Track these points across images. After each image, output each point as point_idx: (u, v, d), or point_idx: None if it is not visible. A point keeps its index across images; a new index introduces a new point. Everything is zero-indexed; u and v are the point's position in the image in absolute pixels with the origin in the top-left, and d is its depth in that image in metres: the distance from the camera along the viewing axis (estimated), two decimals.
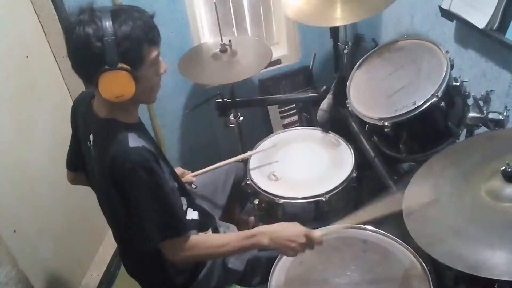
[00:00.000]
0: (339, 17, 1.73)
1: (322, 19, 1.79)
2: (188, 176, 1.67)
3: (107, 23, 1.05)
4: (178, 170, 1.66)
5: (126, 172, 1.12)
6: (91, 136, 1.23)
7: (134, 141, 1.15)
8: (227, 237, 1.33)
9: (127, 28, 1.07)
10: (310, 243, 1.22)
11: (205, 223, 1.45)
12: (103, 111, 1.20)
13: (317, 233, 1.24)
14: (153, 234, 1.17)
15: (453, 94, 1.51)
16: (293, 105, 2.47)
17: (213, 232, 1.49)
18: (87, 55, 1.07)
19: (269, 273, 1.30)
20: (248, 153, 1.81)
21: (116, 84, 1.10)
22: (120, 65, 1.08)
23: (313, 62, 2.15)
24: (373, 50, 1.77)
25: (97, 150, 1.21)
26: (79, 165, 1.39)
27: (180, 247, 1.22)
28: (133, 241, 1.23)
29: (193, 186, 1.67)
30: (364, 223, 1.37)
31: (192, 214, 1.40)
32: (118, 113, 1.20)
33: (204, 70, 1.96)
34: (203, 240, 1.29)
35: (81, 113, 1.31)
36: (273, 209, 1.63)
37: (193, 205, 1.42)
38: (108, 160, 1.13)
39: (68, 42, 1.10)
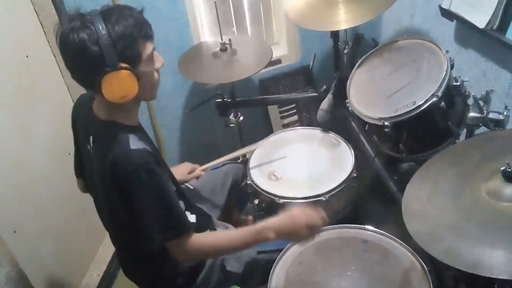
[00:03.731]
0: (342, 20, 1.72)
1: (325, 23, 1.78)
2: (197, 170, 1.67)
3: (100, 26, 1.05)
4: (187, 166, 1.66)
5: (128, 174, 1.11)
6: (90, 138, 1.23)
7: (135, 143, 1.15)
8: (232, 234, 1.33)
9: (120, 27, 1.07)
10: (314, 231, 1.25)
11: (203, 225, 1.45)
12: (104, 113, 1.20)
13: (319, 218, 1.24)
14: (155, 235, 1.17)
15: (453, 94, 1.51)
16: (293, 105, 2.47)
17: None
18: (86, 61, 1.07)
19: (268, 275, 1.30)
20: (255, 145, 1.80)
21: (120, 84, 1.10)
22: (120, 64, 1.08)
23: (313, 62, 2.15)
24: (373, 50, 1.77)
25: (97, 152, 1.21)
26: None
27: (185, 247, 1.22)
28: (135, 242, 1.23)
29: (190, 186, 1.67)
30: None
31: (190, 218, 1.40)
32: (119, 115, 1.20)
33: (204, 69, 1.96)
34: (208, 239, 1.30)
35: (81, 116, 1.31)
36: (273, 209, 1.63)
37: (190, 208, 1.42)
38: (109, 162, 1.12)
39: (64, 52, 1.10)
